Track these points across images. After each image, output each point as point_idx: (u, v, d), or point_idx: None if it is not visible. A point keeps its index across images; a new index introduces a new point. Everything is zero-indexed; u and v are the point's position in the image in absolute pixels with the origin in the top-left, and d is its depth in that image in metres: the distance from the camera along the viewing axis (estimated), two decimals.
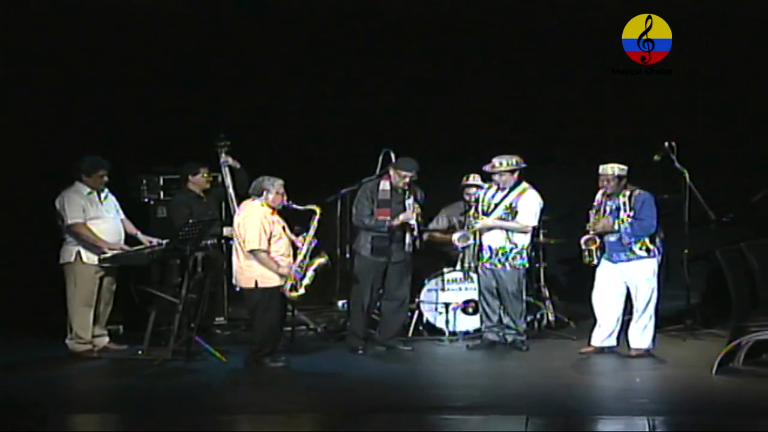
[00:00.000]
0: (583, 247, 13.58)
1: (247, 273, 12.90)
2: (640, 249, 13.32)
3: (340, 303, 15.05)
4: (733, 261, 12.83)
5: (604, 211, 13.43)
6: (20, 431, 11.00)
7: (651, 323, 13.40)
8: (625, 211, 13.37)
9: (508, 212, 13.71)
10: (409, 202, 13.63)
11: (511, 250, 13.75)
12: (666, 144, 14.31)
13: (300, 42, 16.10)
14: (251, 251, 12.81)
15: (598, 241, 13.42)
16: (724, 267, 12.93)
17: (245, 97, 16.09)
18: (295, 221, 13.27)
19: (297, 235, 13.19)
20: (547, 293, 15.05)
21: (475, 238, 13.74)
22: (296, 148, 15.86)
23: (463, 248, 13.84)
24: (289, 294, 12.98)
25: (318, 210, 13.12)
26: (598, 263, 13.54)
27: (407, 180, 13.64)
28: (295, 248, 13.09)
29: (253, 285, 12.88)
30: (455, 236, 13.88)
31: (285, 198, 13.04)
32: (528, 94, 16.35)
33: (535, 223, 13.87)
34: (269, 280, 12.87)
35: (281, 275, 12.91)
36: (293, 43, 16.10)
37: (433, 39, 16.17)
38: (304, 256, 13.03)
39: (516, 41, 16.13)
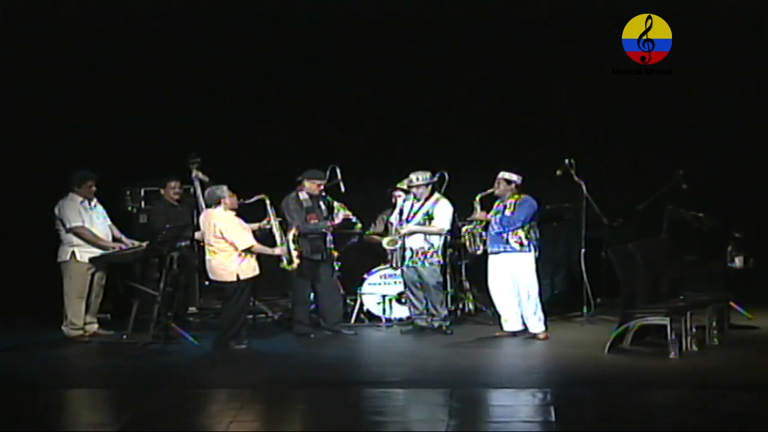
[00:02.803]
0: (464, 234, 13.75)
1: (229, 268, 12.93)
2: (515, 243, 13.30)
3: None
4: (622, 258, 12.67)
5: (500, 208, 13.43)
6: (21, 404, 10.97)
7: (538, 309, 13.37)
8: (507, 209, 13.43)
9: (425, 218, 13.77)
10: (338, 205, 13.88)
11: (428, 249, 13.81)
12: (566, 160, 14.31)
13: (258, 75, 16.01)
14: (245, 250, 12.92)
15: (475, 229, 13.59)
16: (615, 263, 12.78)
17: (214, 120, 15.99)
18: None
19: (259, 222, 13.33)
20: (467, 285, 15.05)
21: (401, 242, 13.80)
22: (257, 163, 15.78)
23: (392, 250, 13.92)
24: (288, 267, 13.16)
25: (266, 197, 13.28)
26: (479, 250, 13.61)
27: (321, 187, 13.83)
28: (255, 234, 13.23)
29: (234, 278, 12.95)
30: (384, 241, 13.94)
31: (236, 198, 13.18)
32: (444, 116, 16.16)
33: (449, 227, 13.88)
34: (247, 272, 12.97)
35: (278, 254, 13.10)
36: (254, 77, 16.01)
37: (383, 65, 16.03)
38: (280, 235, 13.21)
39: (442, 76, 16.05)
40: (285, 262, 13.22)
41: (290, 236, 13.30)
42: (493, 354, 13.11)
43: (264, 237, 13.37)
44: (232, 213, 13.05)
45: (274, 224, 13.29)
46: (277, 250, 13.21)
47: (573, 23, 15.45)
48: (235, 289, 13.01)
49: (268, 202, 13.32)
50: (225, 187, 13.09)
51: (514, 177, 13.48)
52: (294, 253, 13.25)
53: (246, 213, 13.38)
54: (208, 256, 13.12)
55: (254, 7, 15.51)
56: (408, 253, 13.83)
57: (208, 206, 13.30)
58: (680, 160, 14.67)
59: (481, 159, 15.18)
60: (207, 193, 13.26)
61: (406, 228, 13.79)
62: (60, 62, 15.57)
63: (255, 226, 13.33)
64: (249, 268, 12.99)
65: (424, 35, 15.80)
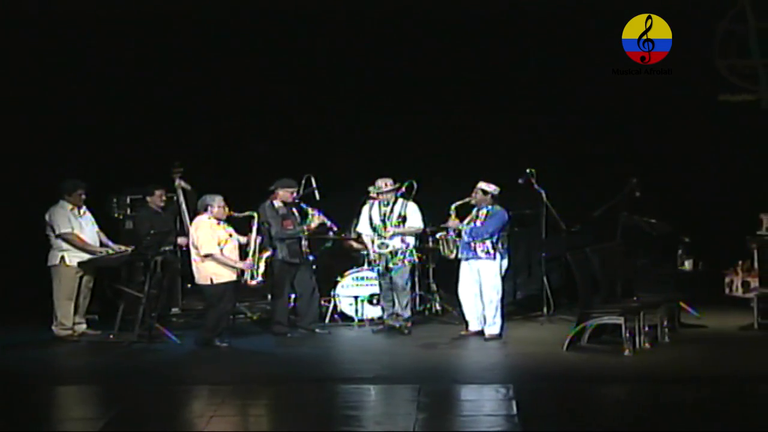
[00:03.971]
0: (439, 240, 13.74)
1: (203, 272, 12.96)
2: (482, 251, 13.30)
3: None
4: (579, 261, 12.73)
5: (474, 217, 13.45)
6: (14, 399, 10.98)
7: (498, 313, 13.36)
8: (480, 219, 13.41)
9: (399, 221, 13.78)
10: (313, 212, 13.88)
11: (406, 249, 13.82)
12: (528, 170, 14.34)
13: (239, 88, 15.94)
14: (206, 255, 12.93)
15: (450, 236, 13.56)
16: (573, 266, 12.86)
17: (197, 132, 15.97)
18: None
19: (244, 236, 13.30)
20: (435, 287, 15.04)
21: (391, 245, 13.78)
22: (237, 172, 15.79)
23: (381, 253, 13.86)
24: (250, 283, 13.08)
25: (255, 215, 13.25)
26: (453, 255, 13.58)
27: (294, 194, 13.85)
28: (242, 248, 13.18)
29: (209, 282, 12.95)
30: (376, 245, 13.84)
31: (227, 210, 13.18)
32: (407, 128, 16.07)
33: (422, 225, 13.91)
34: (221, 276, 12.95)
35: (240, 269, 13.01)
36: (234, 90, 15.95)
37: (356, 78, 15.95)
38: (254, 252, 13.14)
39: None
40: (248, 277, 13.15)
41: (264, 256, 13.24)
42: (458, 352, 13.12)
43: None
44: (214, 221, 13.02)
45: (252, 241, 13.21)
46: (241, 264, 13.10)
47: (534, 37, 15.54)
48: (212, 293, 12.99)
49: (256, 218, 13.27)
50: (219, 198, 13.09)
51: (491, 188, 13.48)
52: (260, 270, 13.19)
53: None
54: (192, 260, 13.10)
55: (235, 22, 15.53)
56: (389, 256, 13.82)
57: (196, 212, 13.29)
58: (633, 170, 14.69)
59: (448, 168, 15.20)
60: (200, 199, 13.24)
61: (392, 230, 13.77)
62: (54, 78, 15.52)
63: (243, 239, 13.29)
64: (224, 273, 12.97)
65: (392, 50, 15.78)
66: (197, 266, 13.02)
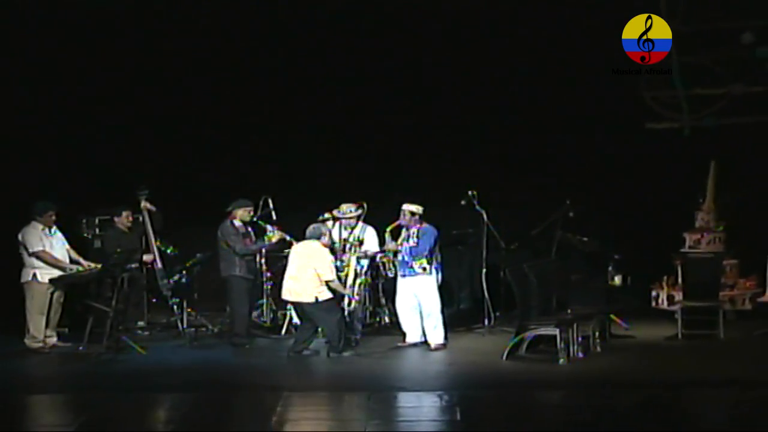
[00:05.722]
0: (378, 261, 13.80)
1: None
2: (418, 268, 13.31)
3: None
4: (518, 277, 12.76)
5: (406, 236, 13.44)
6: None
7: (439, 323, 13.34)
8: (412, 238, 13.41)
9: (356, 243, 13.73)
10: (272, 228, 13.90)
11: (360, 270, 13.73)
12: (469, 192, 14.30)
13: (198, 115, 15.88)
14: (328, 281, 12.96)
15: (388, 257, 13.62)
16: (512, 281, 12.89)
17: (161, 157, 15.88)
18: None
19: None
20: (384, 301, 14.96)
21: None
22: (198, 194, 15.75)
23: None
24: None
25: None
26: (394, 275, 13.62)
27: (252, 212, 13.83)
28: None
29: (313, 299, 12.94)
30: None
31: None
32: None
33: (378, 249, 13.92)
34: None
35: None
36: (195, 117, 15.89)
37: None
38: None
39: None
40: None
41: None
42: (404, 361, 13.11)
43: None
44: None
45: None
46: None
47: (475, 64, 15.55)
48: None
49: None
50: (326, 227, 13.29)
51: (416, 208, 13.50)
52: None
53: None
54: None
55: (196, 50, 15.50)
56: (344, 274, 13.68)
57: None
58: (567, 192, 14.78)
59: (395, 191, 15.18)
60: (314, 228, 13.17)
61: (351, 255, 13.69)
62: (26, 105, 15.43)
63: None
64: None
65: (342, 76, 15.78)
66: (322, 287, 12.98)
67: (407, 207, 13.48)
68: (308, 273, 12.93)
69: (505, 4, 15.19)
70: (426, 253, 13.34)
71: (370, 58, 15.65)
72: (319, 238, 13.08)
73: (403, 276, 13.52)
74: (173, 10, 15.32)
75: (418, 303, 13.47)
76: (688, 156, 15.54)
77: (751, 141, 15.24)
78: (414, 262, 13.38)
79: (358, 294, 13.47)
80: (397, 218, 13.58)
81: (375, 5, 15.25)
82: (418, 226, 13.44)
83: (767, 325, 13.75)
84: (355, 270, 13.58)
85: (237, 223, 13.78)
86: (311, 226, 13.23)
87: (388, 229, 13.60)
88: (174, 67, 15.61)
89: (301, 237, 14.32)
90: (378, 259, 13.89)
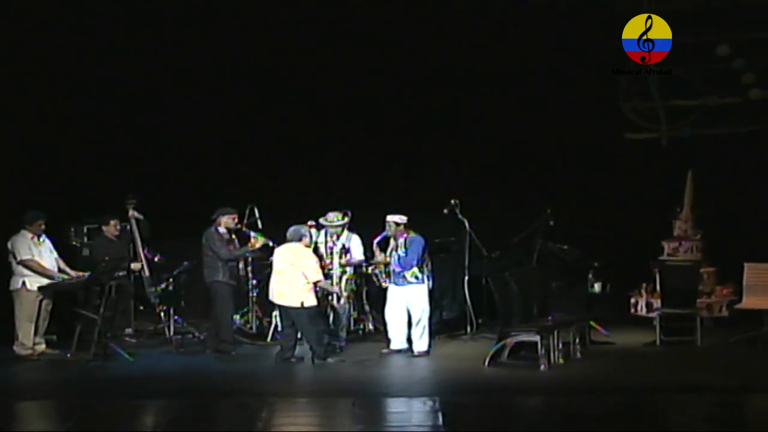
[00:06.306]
0: (371, 272, 13.83)
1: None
2: (411, 277, 13.31)
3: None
4: (499, 284, 12.83)
5: (395, 247, 13.47)
6: None
7: (426, 332, 13.33)
8: (401, 249, 13.41)
9: (342, 252, 13.75)
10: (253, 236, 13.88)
11: (347, 278, 13.80)
12: (452, 201, 14.33)
13: (185, 126, 15.84)
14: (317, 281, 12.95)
15: (379, 269, 13.61)
16: (493, 289, 12.99)
17: (148, 167, 15.83)
18: None
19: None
20: (368, 309, 14.96)
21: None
22: (184, 203, 15.70)
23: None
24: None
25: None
26: (385, 283, 13.58)
27: (236, 219, 13.81)
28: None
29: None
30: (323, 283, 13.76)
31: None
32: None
33: (363, 258, 13.92)
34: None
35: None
36: (183, 129, 15.87)
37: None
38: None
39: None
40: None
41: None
42: (388, 367, 13.10)
43: None
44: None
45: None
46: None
47: (454, 76, 15.56)
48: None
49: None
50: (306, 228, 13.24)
51: (401, 218, 13.49)
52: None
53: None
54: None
55: (180, 59, 15.49)
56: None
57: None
58: (548, 201, 14.81)
59: (380, 200, 15.19)
60: (294, 231, 13.09)
61: (336, 263, 13.71)
62: (15, 116, 15.34)
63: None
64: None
65: (326, 86, 15.80)
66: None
67: (391, 218, 13.50)
68: (295, 276, 12.89)
69: (488, 17, 15.23)
70: (415, 262, 13.34)
71: (353, 69, 15.68)
72: (300, 240, 13.03)
73: (397, 285, 13.50)
74: (158, 20, 15.32)
75: (407, 311, 13.46)
76: (666, 166, 15.61)
77: (728, 151, 15.32)
78: (406, 272, 13.38)
79: (346, 291, 13.49)
80: (382, 229, 13.59)
81: (356, 17, 15.32)
82: (404, 236, 13.44)
83: (744, 332, 13.80)
84: (342, 268, 13.59)
85: (221, 230, 13.76)
86: (291, 229, 13.18)
87: (376, 242, 13.63)
88: (161, 77, 15.58)
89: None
90: (371, 270, 13.88)
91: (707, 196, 15.39)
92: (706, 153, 15.41)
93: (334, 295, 13.44)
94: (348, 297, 13.82)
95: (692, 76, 15.43)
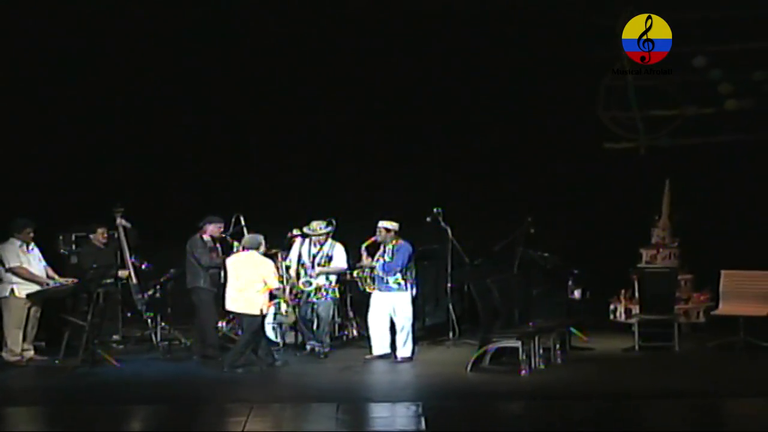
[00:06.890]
0: (356, 277, 13.82)
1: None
2: (394, 283, 13.34)
3: None
4: (481, 291, 12.85)
5: (382, 253, 13.49)
6: None
7: (409, 338, 13.34)
8: (387, 254, 13.42)
9: (325, 260, 13.74)
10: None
11: (328, 285, 13.78)
12: (435, 209, 14.32)
13: (171, 134, 15.85)
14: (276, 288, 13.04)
15: (365, 274, 13.59)
16: (475, 295, 13.01)
17: (136, 176, 15.87)
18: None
19: None
20: (352, 315, 14.97)
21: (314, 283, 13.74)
22: (171, 211, 15.66)
23: (306, 291, 13.73)
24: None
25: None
26: (370, 288, 13.58)
27: (222, 229, 13.82)
28: None
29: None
30: (301, 281, 13.74)
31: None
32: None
33: (346, 266, 13.95)
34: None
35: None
36: (166, 136, 15.86)
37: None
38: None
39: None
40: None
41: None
42: (372, 373, 13.10)
43: None
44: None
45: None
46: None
47: (436, 86, 15.60)
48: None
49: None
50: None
51: (392, 225, 13.51)
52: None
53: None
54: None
55: (168, 69, 15.50)
56: (312, 290, 13.75)
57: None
58: (529, 209, 14.84)
59: (363, 208, 15.21)
60: (250, 238, 13.14)
61: (319, 269, 13.72)
62: (4, 120, 15.31)
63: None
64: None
65: (311, 97, 15.81)
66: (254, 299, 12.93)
67: (382, 224, 13.51)
68: (257, 285, 12.88)
69: (469, 31, 15.27)
70: (399, 268, 13.35)
71: (338, 77, 15.67)
72: (257, 248, 13.01)
73: (381, 290, 13.51)
74: (147, 31, 15.31)
75: (390, 317, 13.46)
76: (644, 174, 15.66)
77: (704, 160, 15.38)
78: (389, 278, 13.39)
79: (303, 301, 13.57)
80: (372, 234, 13.62)
81: (341, 27, 15.36)
82: (393, 242, 13.45)
83: (720, 337, 13.85)
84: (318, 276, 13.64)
85: (206, 238, 13.75)
86: (248, 236, 13.23)
87: (364, 245, 13.63)
88: (149, 87, 15.58)
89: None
90: (356, 275, 13.87)
91: (684, 204, 15.44)
92: (684, 162, 15.47)
93: (281, 304, 13.39)
94: (294, 308, 13.73)
95: (670, 87, 15.51)
